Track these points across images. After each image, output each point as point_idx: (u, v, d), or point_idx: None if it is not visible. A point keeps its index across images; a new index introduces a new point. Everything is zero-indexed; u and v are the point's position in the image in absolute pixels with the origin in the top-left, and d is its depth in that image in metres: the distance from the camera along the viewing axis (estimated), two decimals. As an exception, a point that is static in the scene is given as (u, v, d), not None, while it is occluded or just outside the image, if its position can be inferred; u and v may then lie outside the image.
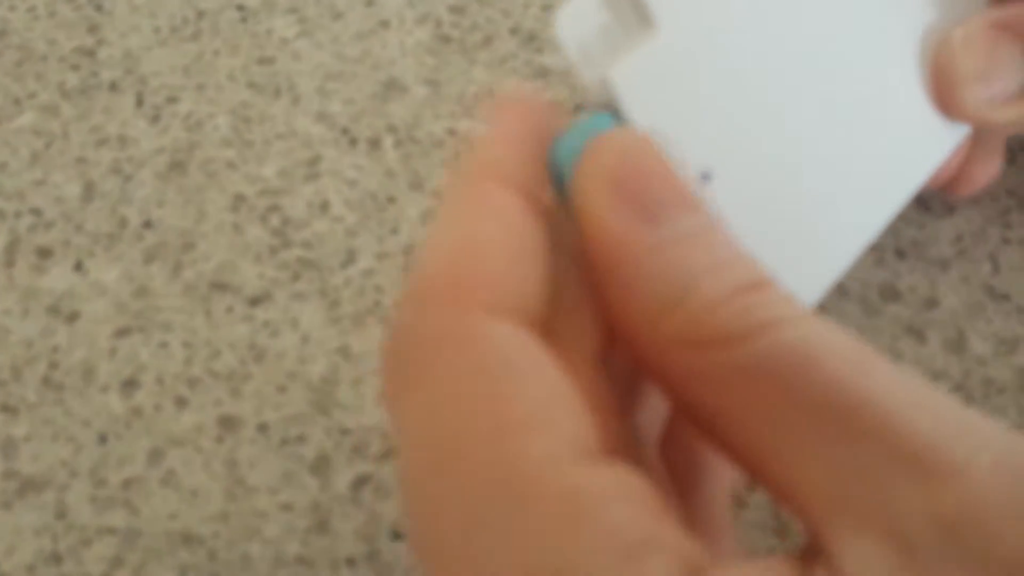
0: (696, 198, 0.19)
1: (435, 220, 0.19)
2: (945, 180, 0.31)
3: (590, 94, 0.21)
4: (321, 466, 0.31)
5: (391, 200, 0.36)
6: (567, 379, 0.17)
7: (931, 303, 0.33)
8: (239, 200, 0.36)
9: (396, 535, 0.29)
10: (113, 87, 0.40)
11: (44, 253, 0.35)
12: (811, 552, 0.16)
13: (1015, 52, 0.27)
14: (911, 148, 0.27)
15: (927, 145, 0.27)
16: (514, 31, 0.41)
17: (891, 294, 0.33)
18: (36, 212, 0.36)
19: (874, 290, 0.33)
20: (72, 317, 0.34)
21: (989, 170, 0.31)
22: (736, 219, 0.22)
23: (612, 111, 0.20)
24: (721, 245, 0.18)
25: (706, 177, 0.22)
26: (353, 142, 0.38)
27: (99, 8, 0.42)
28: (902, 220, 0.34)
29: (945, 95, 0.26)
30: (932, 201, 0.35)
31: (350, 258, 0.35)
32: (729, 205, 0.22)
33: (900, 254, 0.34)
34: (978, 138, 0.30)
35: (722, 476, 0.22)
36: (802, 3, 0.24)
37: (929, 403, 0.16)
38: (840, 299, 0.33)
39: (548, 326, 0.18)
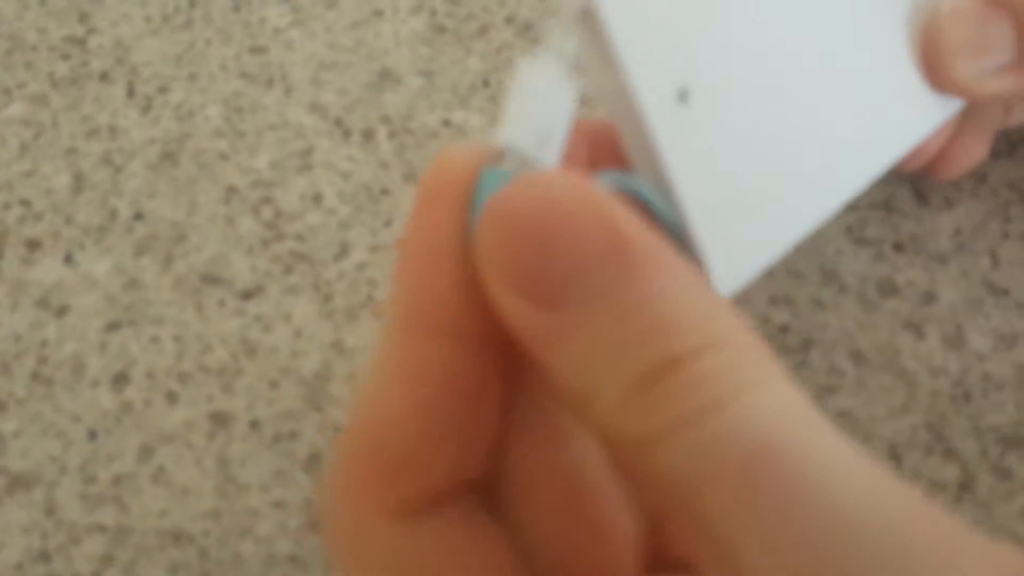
0: (606, 249, 0.16)
1: (364, 377, 0.18)
2: (928, 160, 0.31)
3: (568, 4, 0.20)
4: (314, 463, 0.30)
5: (385, 192, 0.36)
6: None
7: (930, 298, 0.32)
8: (231, 192, 0.36)
9: (389, 533, 0.29)
10: (104, 77, 0.39)
11: (33, 245, 0.35)
12: None
13: (1003, 26, 0.27)
14: (897, 115, 0.26)
15: (914, 114, 0.27)
16: (509, 20, 0.40)
17: (889, 288, 0.33)
18: (25, 203, 0.36)
19: (872, 284, 0.33)
20: (62, 310, 0.33)
21: (973, 153, 0.31)
22: (709, 147, 0.21)
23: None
24: (629, 312, 0.16)
25: (683, 95, 0.21)
26: (347, 133, 0.37)
27: (89, -4, 0.42)
28: (900, 214, 0.34)
29: (934, 67, 0.26)
30: (931, 195, 0.34)
31: (343, 251, 0.34)
32: (703, 129, 0.21)
33: (899, 248, 0.33)
34: (964, 120, 0.30)
35: None
36: None
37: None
38: (838, 294, 0.32)
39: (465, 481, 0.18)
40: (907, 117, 0.27)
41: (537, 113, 0.19)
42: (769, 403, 0.15)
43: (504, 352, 0.18)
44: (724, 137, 0.22)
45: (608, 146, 0.22)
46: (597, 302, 0.16)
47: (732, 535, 0.14)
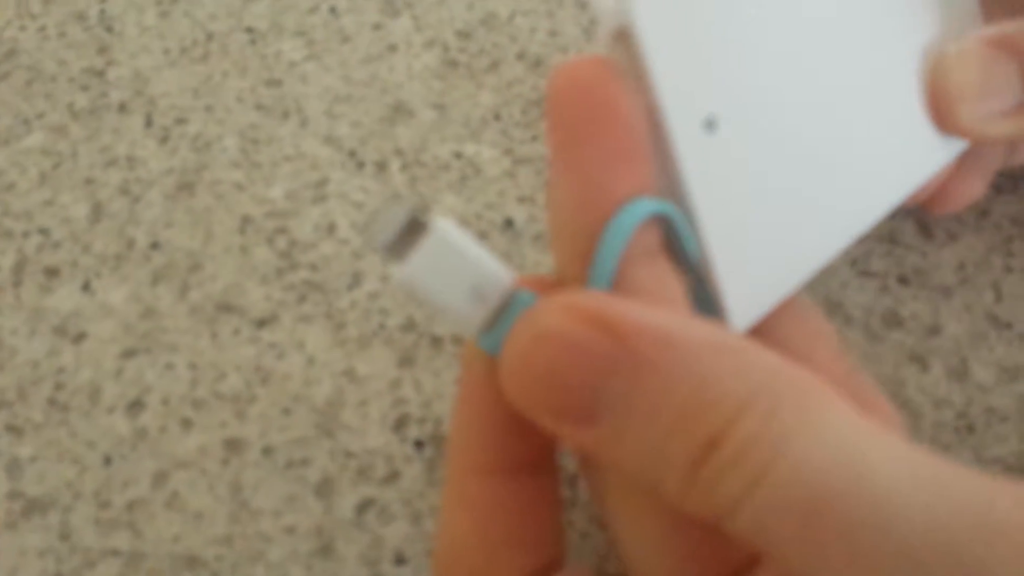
0: (611, 360, 0.17)
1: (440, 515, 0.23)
2: (927, 197, 0.31)
3: (604, 18, 0.20)
4: (325, 489, 0.31)
5: (397, 223, 0.36)
6: None
7: (934, 330, 0.33)
8: (246, 222, 0.36)
9: (400, 559, 0.29)
10: (122, 108, 0.40)
11: (51, 273, 0.35)
12: None
13: (1010, 70, 0.27)
14: (906, 154, 0.27)
15: (922, 154, 0.27)
16: (521, 56, 0.41)
17: (894, 321, 0.33)
18: (44, 232, 0.36)
19: (877, 317, 0.33)
20: (79, 338, 0.34)
21: (973, 190, 0.32)
22: (731, 178, 0.22)
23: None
24: (656, 409, 0.17)
25: (711, 124, 0.21)
26: (360, 165, 0.38)
27: (109, 29, 0.42)
28: (904, 247, 0.34)
29: (940, 110, 0.27)
30: (935, 229, 0.35)
31: (356, 280, 0.35)
32: (727, 160, 0.21)
33: (903, 281, 0.34)
34: (966, 157, 0.30)
35: None
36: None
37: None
38: (843, 326, 0.33)
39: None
40: (915, 156, 0.27)
41: (449, 291, 0.20)
42: (811, 448, 0.16)
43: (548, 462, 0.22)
44: (746, 169, 0.22)
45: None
46: (624, 409, 0.17)
47: (821, 570, 0.15)
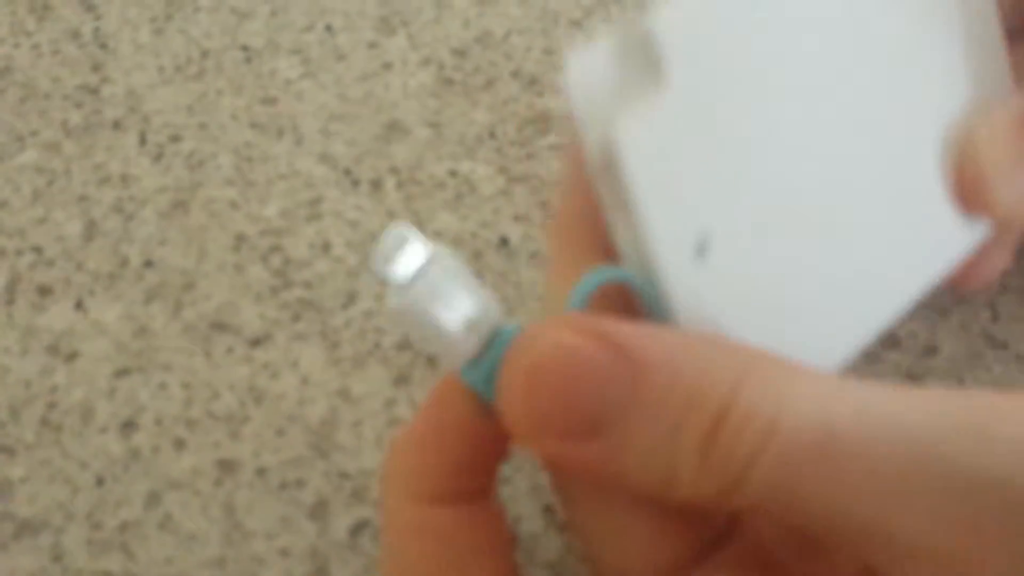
0: (610, 367, 0.18)
1: (382, 549, 0.23)
2: (952, 276, 0.29)
3: (589, 150, 0.20)
4: (320, 511, 0.30)
5: (392, 241, 0.36)
6: None
7: (931, 350, 0.33)
8: (240, 240, 0.36)
9: (395, 581, 0.29)
10: (116, 125, 0.40)
11: (44, 291, 0.35)
12: None
13: None
14: (928, 242, 0.25)
15: (941, 243, 0.26)
16: (515, 74, 0.41)
17: (891, 341, 0.33)
18: (37, 250, 0.36)
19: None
20: (71, 356, 0.34)
21: (997, 265, 0.30)
22: (728, 299, 0.21)
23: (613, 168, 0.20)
24: (660, 404, 0.18)
25: (702, 249, 0.21)
26: (355, 183, 0.38)
27: (103, 46, 0.42)
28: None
29: (971, 192, 0.25)
30: (932, 248, 0.35)
31: (351, 299, 0.35)
32: (722, 282, 0.21)
33: (900, 301, 0.34)
34: (991, 233, 0.28)
35: None
36: (825, 81, 0.22)
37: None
38: (840, 346, 0.33)
39: None
40: (937, 244, 0.25)
41: (444, 321, 0.20)
42: (808, 396, 0.17)
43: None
44: (744, 287, 0.21)
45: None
46: (630, 414, 0.18)
47: (841, 499, 0.17)
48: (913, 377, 0.32)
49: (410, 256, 0.19)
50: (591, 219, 0.21)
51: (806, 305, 0.23)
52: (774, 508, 0.18)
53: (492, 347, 0.20)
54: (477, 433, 0.21)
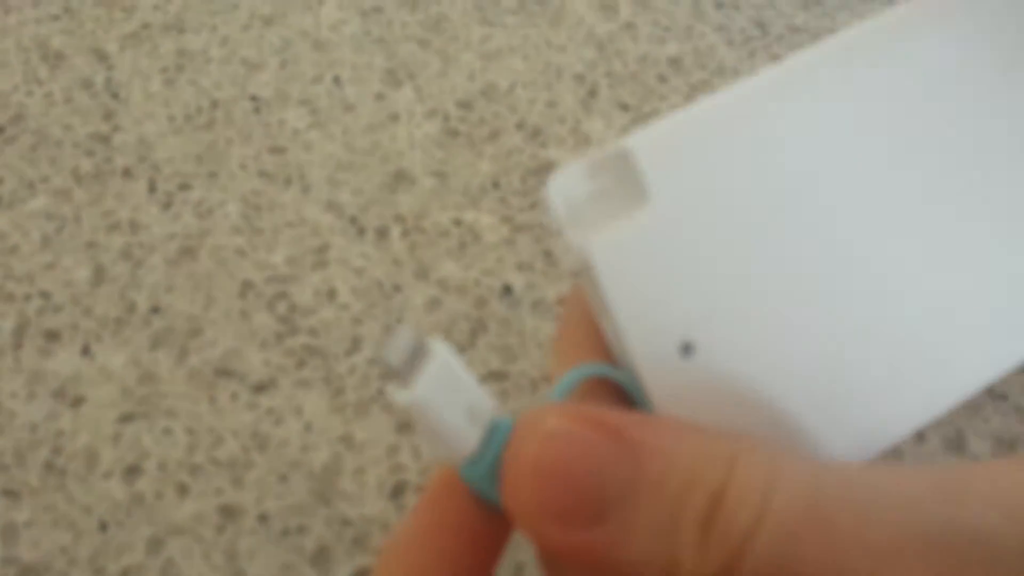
0: (611, 452, 0.19)
1: None
2: None
3: (567, 257, 0.20)
4: (321, 558, 0.30)
5: (397, 288, 0.37)
6: None
7: (931, 402, 0.33)
8: (247, 287, 0.37)
9: (396, 629, 0.29)
10: (126, 173, 0.40)
11: (52, 336, 0.36)
12: None
13: None
14: (926, 371, 0.24)
15: (954, 371, 0.24)
16: (519, 126, 0.42)
17: (891, 392, 0.33)
18: (45, 295, 0.37)
19: (874, 388, 0.33)
20: (77, 401, 0.34)
21: None
22: (721, 390, 0.21)
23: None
24: (661, 487, 0.19)
25: (687, 349, 0.21)
26: (361, 231, 0.38)
27: (115, 96, 0.43)
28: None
29: None
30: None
31: (355, 346, 0.35)
32: (715, 374, 0.21)
33: (899, 352, 0.34)
34: None
35: None
36: (820, 198, 0.22)
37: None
38: (840, 396, 0.33)
39: None
40: (941, 370, 0.24)
41: (448, 417, 0.20)
42: (797, 473, 0.18)
43: None
44: (732, 388, 0.22)
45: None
46: (631, 497, 0.19)
47: (832, 561, 0.18)
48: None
49: (414, 352, 0.20)
50: (593, 322, 0.22)
51: (795, 412, 0.22)
52: (782, 567, 0.18)
53: (490, 442, 0.20)
54: (476, 533, 0.21)
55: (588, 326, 0.22)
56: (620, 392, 0.22)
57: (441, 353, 0.20)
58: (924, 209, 0.23)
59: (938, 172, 0.23)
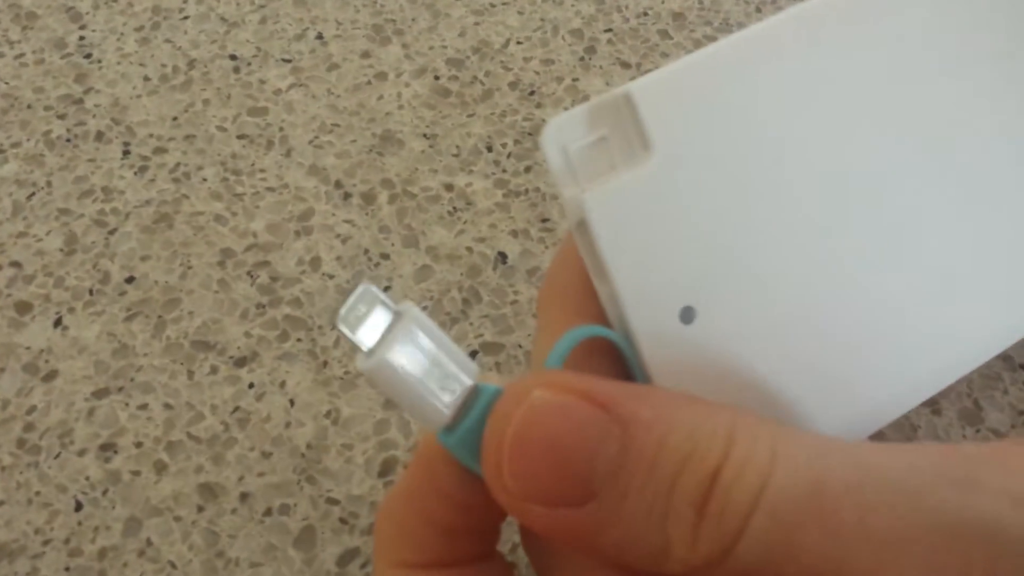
0: (599, 426, 0.17)
1: None
2: None
3: (566, 209, 0.19)
4: (306, 539, 0.29)
5: (384, 257, 0.35)
6: None
7: (945, 372, 0.32)
8: (226, 255, 0.35)
9: (384, 614, 0.28)
10: (100, 137, 0.39)
11: (23, 308, 0.34)
12: None
13: None
14: (930, 329, 0.23)
15: (958, 332, 0.24)
16: (514, 85, 0.40)
17: (904, 362, 0.32)
18: (16, 265, 0.35)
19: (886, 357, 0.32)
20: (50, 376, 0.32)
21: None
22: (722, 358, 0.20)
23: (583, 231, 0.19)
24: (652, 464, 0.17)
25: (687, 314, 0.20)
26: (346, 196, 0.37)
27: (88, 56, 0.41)
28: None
29: None
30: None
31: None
32: (716, 341, 0.20)
33: (912, 320, 0.33)
34: None
35: None
36: (822, 153, 0.21)
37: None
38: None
39: None
40: (943, 332, 0.23)
41: (419, 379, 0.19)
42: (798, 449, 0.17)
43: None
44: (733, 355, 0.20)
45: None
46: (621, 476, 0.17)
47: (834, 552, 0.16)
48: (928, 400, 0.31)
49: (376, 317, 0.18)
50: (582, 279, 0.20)
51: (794, 384, 0.21)
52: (766, 571, 0.17)
53: (472, 410, 0.19)
54: (462, 497, 0.20)
55: (578, 280, 0.21)
56: (616, 355, 0.20)
57: (410, 316, 0.19)
58: (925, 170, 0.22)
59: (941, 133, 0.22)
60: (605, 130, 0.19)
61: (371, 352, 0.18)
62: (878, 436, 0.30)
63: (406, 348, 0.18)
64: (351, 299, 0.18)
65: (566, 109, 0.19)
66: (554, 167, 0.19)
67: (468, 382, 0.19)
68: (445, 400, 0.19)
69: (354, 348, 0.18)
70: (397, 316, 0.19)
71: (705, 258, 0.20)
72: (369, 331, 0.18)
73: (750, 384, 0.21)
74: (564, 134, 0.19)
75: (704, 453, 0.17)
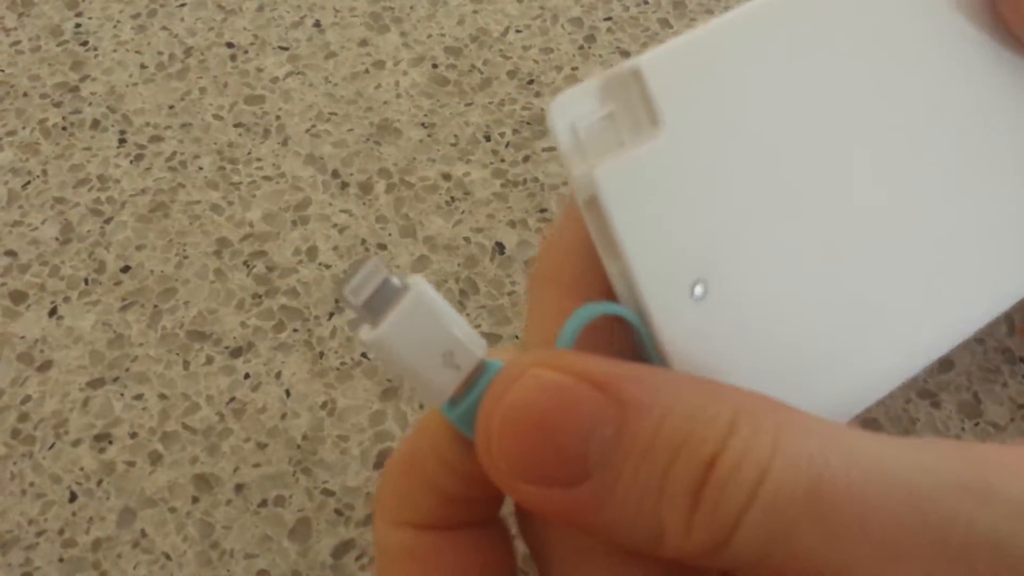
0: (596, 406, 0.17)
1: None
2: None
3: (575, 186, 0.19)
4: (301, 530, 0.29)
5: (382, 247, 0.35)
6: None
7: (945, 365, 0.31)
8: (222, 245, 0.35)
9: (379, 607, 0.28)
10: (95, 125, 0.38)
11: (18, 297, 0.34)
12: None
13: None
14: (942, 293, 0.23)
15: (967, 292, 0.24)
16: (512, 73, 0.40)
17: (903, 355, 0.31)
18: (11, 254, 0.35)
19: (885, 350, 0.32)
20: (45, 365, 0.32)
21: None
22: (736, 332, 0.20)
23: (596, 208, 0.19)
24: (648, 447, 0.17)
25: (699, 288, 0.20)
26: (343, 186, 0.36)
27: (84, 44, 0.41)
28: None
29: None
30: (945, 256, 0.33)
31: (337, 308, 0.33)
32: (730, 315, 0.20)
33: (912, 312, 0.32)
34: None
35: None
36: (832, 124, 0.21)
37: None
38: (849, 359, 0.31)
39: None
40: (955, 291, 0.24)
41: (424, 355, 0.18)
42: (800, 442, 0.16)
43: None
44: (748, 329, 0.20)
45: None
46: (615, 459, 0.17)
47: (831, 554, 0.16)
48: (927, 393, 0.31)
49: (383, 290, 0.18)
50: (578, 258, 0.20)
51: (813, 350, 0.21)
52: (764, 567, 0.17)
53: (476, 385, 0.19)
54: (467, 470, 0.20)
55: (572, 262, 0.20)
56: (617, 334, 0.20)
57: (418, 290, 0.18)
58: (922, 139, 0.22)
59: (938, 102, 0.22)
60: (613, 105, 0.19)
61: (376, 325, 0.18)
62: (875, 429, 0.30)
63: (412, 321, 0.18)
64: (359, 273, 0.18)
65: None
66: (563, 145, 0.18)
67: (475, 356, 0.19)
68: (450, 374, 0.18)
69: (359, 322, 0.18)
70: (404, 289, 0.18)
71: (715, 231, 0.20)
72: (375, 304, 0.18)
73: (761, 356, 0.21)
74: (572, 111, 0.18)
75: (702, 439, 0.17)
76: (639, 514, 0.17)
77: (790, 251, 0.20)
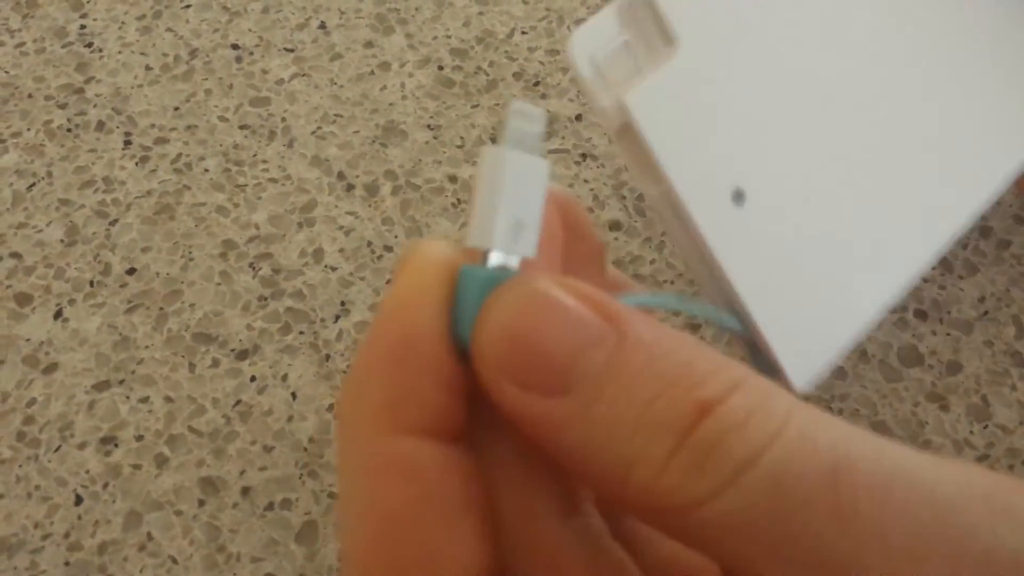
0: (607, 330, 0.16)
1: (343, 496, 0.17)
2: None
3: (604, 118, 0.19)
4: (308, 534, 0.29)
5: (388, 249, 0.35)
6: None
7: (954, 368, 0.31)
8: (228, 247, 0.35)
9: (386, 610, 0.28)
10: (100, 127, 0.38)
11: (23, 300, 0.34)
12: None
13: None
14: (979, 160, 0.25)
15: (1000, 154, 0.25)
16: (518, 75, 0.39)
17: (913, 358, 0.31)
18: (16, 256, 0.35)
19: (895, 353, 0.31)
20: (50, 368, 0.32)
21: None
22: (770, 243, 0.21)
23: (625, 133, 0.19)
24: (639, 375, 0.16)
25: (738, 196, 0.20)
26: (349, 188, 0.36)
27: (89, 45, 0.41)
28: (922, 279, 0.33)
29: None
30: (953, 260, 0.33)
31: (343, 310, 0.33)
32: (763, 226, 0.21)
33: (921, 315, 0.32)
34: None
35: None
36: (842, 24, 0.22)
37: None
38: (859, 363, 0.31)
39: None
40: (992, 158, 0.25)
41: (511, 204, 0.18)
42: (812, 432, 0.15)
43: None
44: (786, 230, 0.21)
45: (579, 218, 0.21)
46: (602, 378, 0.16)
47: (844, 547, 0.15)
48: (936, 396, 0.31)
49: (533, 134, 0.18)
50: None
51: (848, 247, 0.22)
52: (744, 546, 0.15)
53: (501, 272, 0.18)
54: (452, 378, 0.17)
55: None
56: None
57: (549, 168, 0.18)
58: (908, 51, 0.24)
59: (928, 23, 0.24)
60: (628, 33, 0.19)
61: (502, 145, 0.17)
62: (884, 431, 0.30)
63: (529, 178, 0.18)
64: (536, 111, 0.18)
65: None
66: (586, 78, 0.19)
67: (531, 250, 0.18)
68: (506, 236, 0.18)
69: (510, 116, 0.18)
70: (544, 157, 0.18)
71: (744, 139, 0.20)
72: (524, 140, 0.18)
73: (797, 255, 0.21)
74: (591, 44, 0.19)
75: (697, 383, 0.16)
76: (609, 439, 0.16)
77: (811, 152, 0.21)
